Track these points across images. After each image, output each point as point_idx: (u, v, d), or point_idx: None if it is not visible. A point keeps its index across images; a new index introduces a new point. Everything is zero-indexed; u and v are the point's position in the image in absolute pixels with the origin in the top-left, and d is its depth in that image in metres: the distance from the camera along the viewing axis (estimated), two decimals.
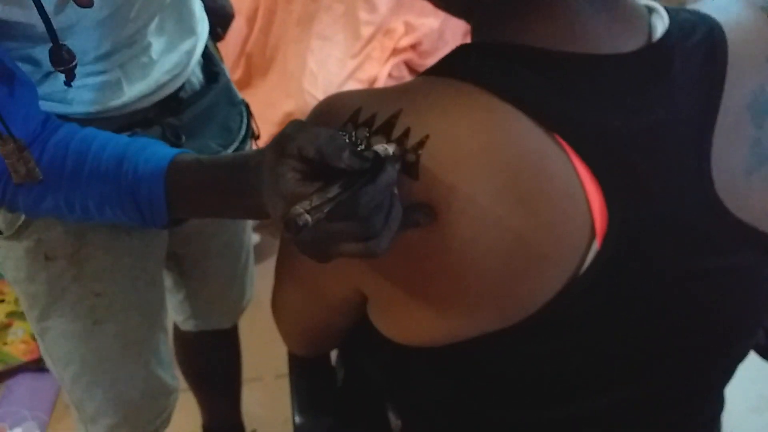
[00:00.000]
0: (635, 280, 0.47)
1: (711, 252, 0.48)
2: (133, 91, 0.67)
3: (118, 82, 0.66)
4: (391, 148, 0.44)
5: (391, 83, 1.39)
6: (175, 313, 1.06)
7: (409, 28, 1.40)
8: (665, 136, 0.46)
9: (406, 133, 0.45)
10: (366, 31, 1.40)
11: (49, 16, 0.48)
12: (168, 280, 1.00)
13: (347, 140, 0.46)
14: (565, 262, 0.46)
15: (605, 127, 0.44)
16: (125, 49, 0.65)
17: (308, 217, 0.39)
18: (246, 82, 1.50)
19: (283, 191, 0.42)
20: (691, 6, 0.54)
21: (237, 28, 1.47)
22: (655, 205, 0.46)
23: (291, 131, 0.43)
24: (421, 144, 0.44)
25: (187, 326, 1.07)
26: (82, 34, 0.57)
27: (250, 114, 0.83)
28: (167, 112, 0.72)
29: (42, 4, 0.47)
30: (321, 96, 1.31)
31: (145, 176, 0.52)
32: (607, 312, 0.47)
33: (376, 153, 0.43)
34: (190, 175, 0.52)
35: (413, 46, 1.42)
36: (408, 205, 0.44)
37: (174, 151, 0.54)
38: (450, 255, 0.45)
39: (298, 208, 0.39)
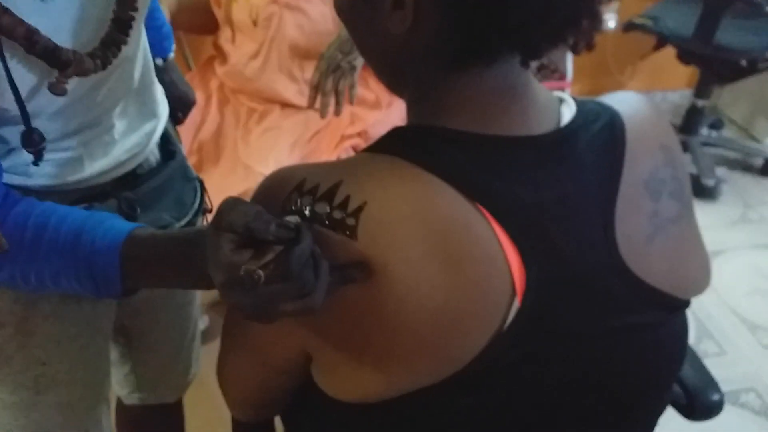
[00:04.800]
0: (552, 335, 0.52)
1: (618, 311, 0.54)
2: (94, 167, 0.71)
3: (79, 158, 0.70)
4: (296, 218, 0.50)
5: None
6: (119, 387, 1.05)
7: (354, 117, 1.51)
8: (573, 206, 0.52)
9: (346, 199, 0.50)
10: (313, 122, 1.50)
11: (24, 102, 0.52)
12: (114, 353, 1.00)
13: (293, 207, 0.51)
14: (489, 319, 0.51)
15: (520, 197, 0.51)
16: (89, 129, 0.69)
17: (261, 273, 0.45)
18: (198, 168, 1.55)
19: (221, 260, 0.47)
20: (597, 99, 0.62)
21: (191, 120, 1.55)
22: (567, 267, 0.52)
23: (224, 208, 0.48)
24: (359, 209, 0.50)
25: (132, 400, 1.06)
26: (50, 117, 0.61)
27: (203, 189, 0.87)
28: (124, 187, 0.75)
29: (18, 92, 0.51)
30: None
31: (102, 249, 0.55)
32: (530, 366, 0.52)
33: (296, 222, 0.49)
34: (145, 249, 0.56)
35: (359, 134, 1.52)
36: (346, 263, 0.49)
37: (130, 225, 0.57)
38: (385, 312, 0.50)
39: (252, 266, 0.45)
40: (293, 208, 0.52)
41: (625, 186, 0.54)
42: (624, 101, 0.60)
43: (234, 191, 1.39)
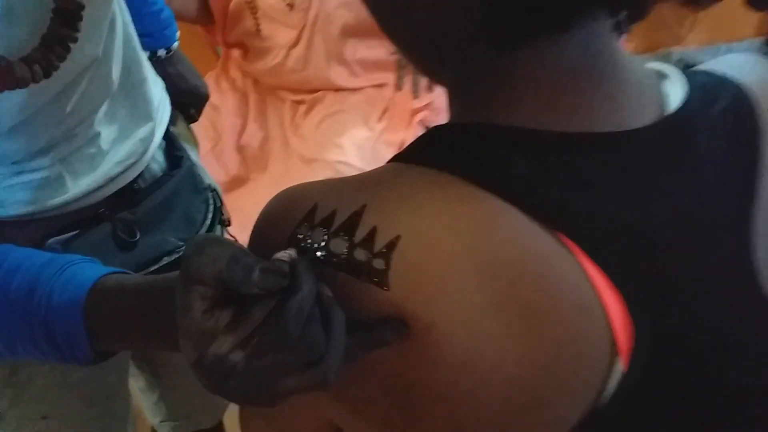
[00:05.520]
0: (669, 405, 0.38)
1: (759, 366, 0.39)
2: (79, 186, 0.60)
3: (59, 177, 0.58)
4: (291, 253, 0.37)
5: None
6: (151, 415, 0.96)
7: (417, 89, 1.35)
8: (694, 227, 0.37)
9: (372, 233, 0.37)
10: (377, 99, 1.36)
11: None
12: (140, 381, 0.90)
13: (301, 244, 0.38)
14: (581, 390, 0.37)
15: (619, 220, 0.36)
16: (65, 143, 0.57)
17: (238, 356, 0.32)
18: (244, 178, 1.40)
19: (189, 328, 0.34)
20: (703, 67, 0.47)
21: (230, 124, 1.41)
22: (690, 312, 0.37)
23: (188, 252, 0.35)
24: (390, 246, 0.36)
25: (165, 429, 0.97)
26: (6, 136, 0.49)
27: (218, 200, 0.75)
28: (121, 206, 0.64)
29: None
30: (358, 162, 1.23)
31: (61, 307, 0.43)
32: None
33: (291, 259, 0.36)
34: (112, 303, 0.43)
35: (427, 106, 1.37)
36: (374, 320, 0.36)
37: (97, 272, 0.45)
38: (434, 384, 0.36)
39: (223, 346, 0.33)
40: (302, 245, 0.39)
41: (766, 191, 0.39)
42: (744, 68, 0.45)
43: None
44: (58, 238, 0.59)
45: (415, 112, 1.36)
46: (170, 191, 0.68)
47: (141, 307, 0.42)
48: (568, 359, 0.36)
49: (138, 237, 0.63)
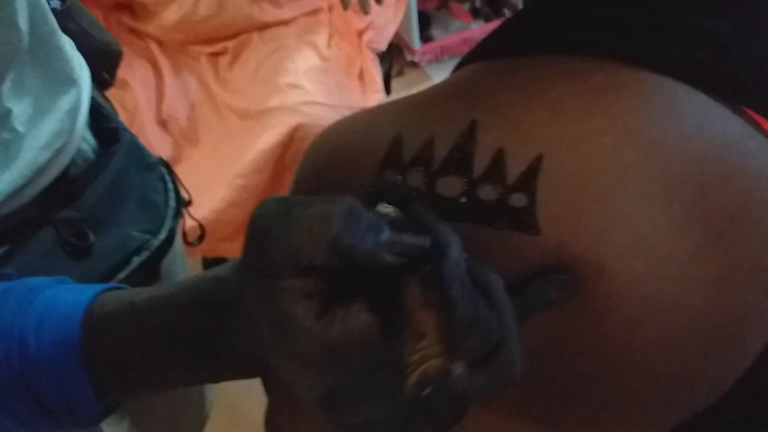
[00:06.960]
0: None
1: None
2: None
3: None
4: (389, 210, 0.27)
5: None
6: None
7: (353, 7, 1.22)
8: None
9: (499, 158, 0.27)
10: (311, 28, 1.20)
11: None
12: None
13: (394, 192, 0.27)
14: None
15: None
16: None
17: (460, 370, 0.23)
18: (177, 157, 1.18)
19: (307, 347, 0.23)
20: None
21: (144, 98, 1.20)
22: None
23: (263, 226, 0.24)
24: (531, 172, 0.26)
25: None
26: None
27: (173, 175, 0.61)
28: (58, 203, 0.49)
29: None
30: (326, 99, 1.08)
31: (45, 352, 0.29)
32: None
33: (420, 209, 0.26)
34: (124, 333, 0.29)
35: (369, 25, 1.22)
36: (528, 276, 0.26)
37: (85, 293, 0.30)
38: (606, 345, 0.27)
39: (438, 364, 0.23)
40: (394, 197, 0.28)
41: None
42: None
43: (240, 161, 1.07)
44: None
45: (360, 33, 1.23)
46: (116, 173, 0.53)
47: (174, 330, 0.29)
48: (763, 280, 0.28)
49: (92, 239, 0.48)
